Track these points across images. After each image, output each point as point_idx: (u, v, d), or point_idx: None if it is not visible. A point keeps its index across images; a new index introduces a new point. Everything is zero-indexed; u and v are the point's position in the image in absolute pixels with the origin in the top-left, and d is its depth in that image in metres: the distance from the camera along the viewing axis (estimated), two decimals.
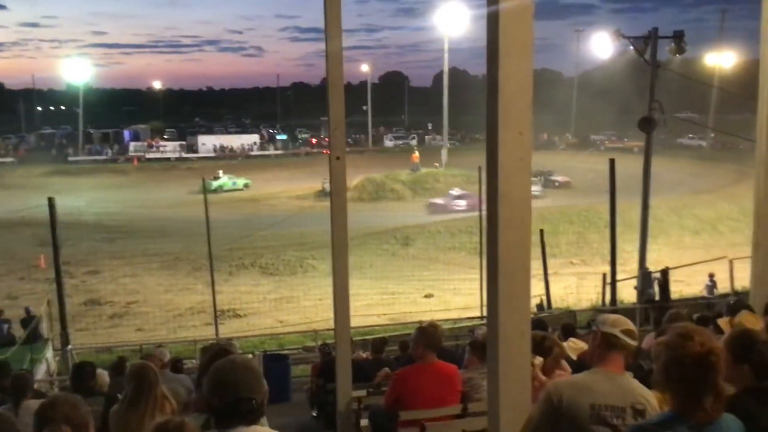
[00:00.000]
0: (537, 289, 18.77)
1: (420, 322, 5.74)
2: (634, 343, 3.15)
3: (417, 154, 53.47)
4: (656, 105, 18.69)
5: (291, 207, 41.07)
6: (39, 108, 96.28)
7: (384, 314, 21.36)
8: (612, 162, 19.14)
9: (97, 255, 29.27)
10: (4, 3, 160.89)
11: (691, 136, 64.52)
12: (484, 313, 8.50)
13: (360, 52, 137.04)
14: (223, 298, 21.96)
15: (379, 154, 66.38)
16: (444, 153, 56.49)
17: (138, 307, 23.65)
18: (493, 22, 2.49)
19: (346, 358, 6.08)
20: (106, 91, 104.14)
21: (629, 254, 22.13)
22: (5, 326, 17.33)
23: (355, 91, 67.71)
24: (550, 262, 20.76)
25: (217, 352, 3.80)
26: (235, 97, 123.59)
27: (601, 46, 42.23)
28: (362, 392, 6.32)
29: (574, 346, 5.03)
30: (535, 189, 36.32)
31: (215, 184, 47.65)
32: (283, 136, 75.27)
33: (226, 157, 63.46)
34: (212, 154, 64.86)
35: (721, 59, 57.58)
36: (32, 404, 4.31)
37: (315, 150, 67.24)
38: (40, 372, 13.56)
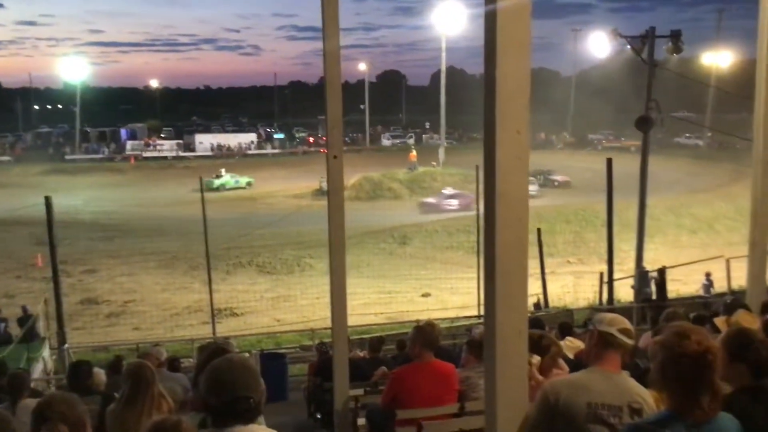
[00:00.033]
0: (534, 288, 18.77)
1: (417, 321, 5.75)
2: (630, 342, 3.15)
3: (414, 153, 53.30)
4: (653, 104, 18.71)
5: (288, 206, 40.96)
6: (36, 106, 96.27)
7: (381, 313, 21.36)
8: (609, 161, 19.16)
9: (94, 254, 29.26)
10: (1, 1, 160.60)
11: (688, 135, 64.59)
12: (482, 312, 8.51)
13: (357, 50, 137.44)
14: (220, 297, 21.96)
15: (376, 153, 66.32)
16: (441, 152, 56.41)
17: (135, 305, 23.65)
18: (490, 21, 2.49)
19: (343, 357, 6.10)
20: (103, 90, 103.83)
21: (626, 253, 22.14)
22: (2, 325, 17.34)
23: (352, 90, 67.58)
24: (547, 261, 20.77)
25: (214, 350, 3.80)
26: (233, 96, 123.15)
27: (599, 45, 42.40)
28: (359, 391, 6.33)
29: (571, 345, 5.05)
30: (532, 189, 36.27)
31: (217, 182, 47.66)
32: (281, 135, 75.22)
33: (223, 156, 63.29)
34: (209, 153, 64.69)
35: (718, 58, 57.63)
36: (29, 403, 4.31)
37: (312, 149, 67.24)
38: (37, 371, 13.53)
